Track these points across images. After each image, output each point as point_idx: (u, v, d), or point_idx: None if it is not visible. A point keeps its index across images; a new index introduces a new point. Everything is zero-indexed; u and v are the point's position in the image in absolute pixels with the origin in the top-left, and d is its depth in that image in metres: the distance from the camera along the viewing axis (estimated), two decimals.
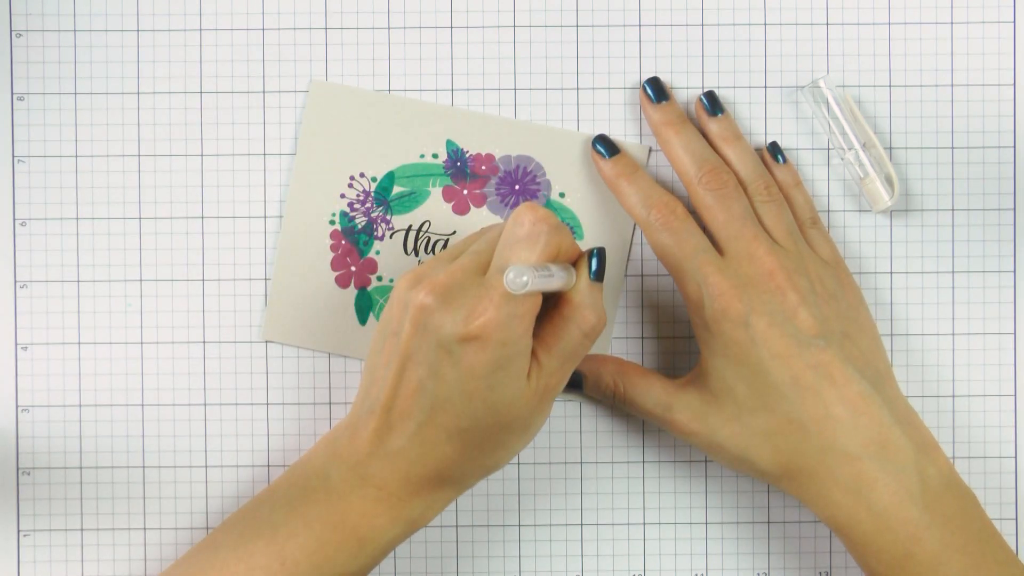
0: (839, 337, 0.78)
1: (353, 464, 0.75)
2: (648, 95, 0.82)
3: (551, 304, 0.75)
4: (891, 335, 0.84)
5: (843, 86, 0.83)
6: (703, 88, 0.83)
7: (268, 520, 0.76)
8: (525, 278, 0.67)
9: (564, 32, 0.83)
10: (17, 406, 0.83)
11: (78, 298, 0.83)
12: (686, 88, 0.83)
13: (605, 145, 0.81)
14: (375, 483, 0.74)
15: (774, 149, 0.82)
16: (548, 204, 0.83)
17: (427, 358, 0.72)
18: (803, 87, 0.82)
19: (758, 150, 0.83)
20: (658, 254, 0.80)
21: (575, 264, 0.75)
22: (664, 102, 0.82)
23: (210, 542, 0.77)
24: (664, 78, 0.83)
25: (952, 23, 0.83)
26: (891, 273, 0.84)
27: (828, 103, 0.82)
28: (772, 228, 0.80)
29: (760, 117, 0.83)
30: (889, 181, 0.82)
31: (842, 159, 0.83)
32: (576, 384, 0.82)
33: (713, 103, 0.82)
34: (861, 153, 0.82)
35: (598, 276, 0.75)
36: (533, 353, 0.74)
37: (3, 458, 0.83)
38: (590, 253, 0.75)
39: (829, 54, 0.83)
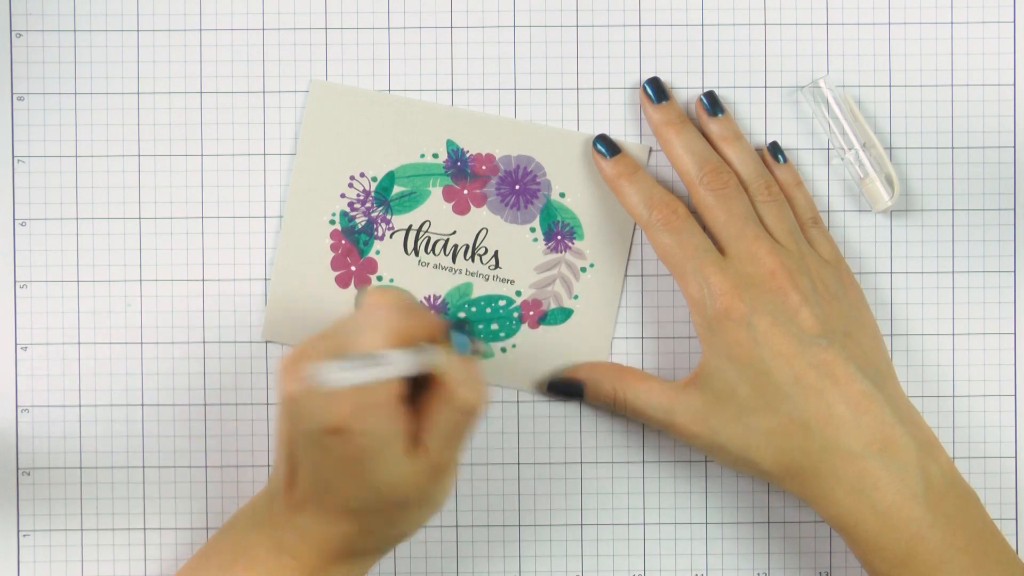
0: (841, 336, 0.78)
1: (271, 533, 0.75)
2: (648, 95, 0.82)
3: (430, 383, 0.73)
4: (891, 335, 0.84)
5: (843, 86, 0.83)
6: (703, 88, 0.83)
7: None
8: (335, 376, 0.65)
9: (564, 32, 0.83)
10: (17, 406, 0.83)
11: (78, 298, 0.83)
12: (686, 88, 0.83)
13: (606, 145, 0.81)
14: (292, 553, 0.74)
15: (774, 149, 0.82)
16: (548, 204, 0.83)
17: (303, 447, 0.72)
18: (803, 87, 0.83)
19: (758, 150, 0.83)
20: (659, 254, 0.80)
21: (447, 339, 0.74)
22: (664, 102, 0.82)
23: None
24: (664, 78, 0.83)
25: (952, 23, 0.83)
26: (891, 273, 0.84)
27: (828, 103, 0.82)
28: (773, 228, 0.80)
29: (760, 117, 0.83)
30: (889, 181, 0.82)
31: (842, 159, 0.83)
32: (577, 393, 0.82)
33: (713, 103, 0.82)
34: (861, 153, 0.82)
35: (469, 348, 0.73)
36: (419, 433, 0.72)
37: (3, 458, 0.83)
38: (451, 327, 0.73)
39: (829, 54, 0.83)
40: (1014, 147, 0.83)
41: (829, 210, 0.83)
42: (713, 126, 0.82)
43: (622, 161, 0.81)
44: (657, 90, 0.82)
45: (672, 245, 0.79)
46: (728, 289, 0.77)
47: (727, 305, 0.77)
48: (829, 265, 0.81)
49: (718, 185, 0.80)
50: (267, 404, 0.83)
